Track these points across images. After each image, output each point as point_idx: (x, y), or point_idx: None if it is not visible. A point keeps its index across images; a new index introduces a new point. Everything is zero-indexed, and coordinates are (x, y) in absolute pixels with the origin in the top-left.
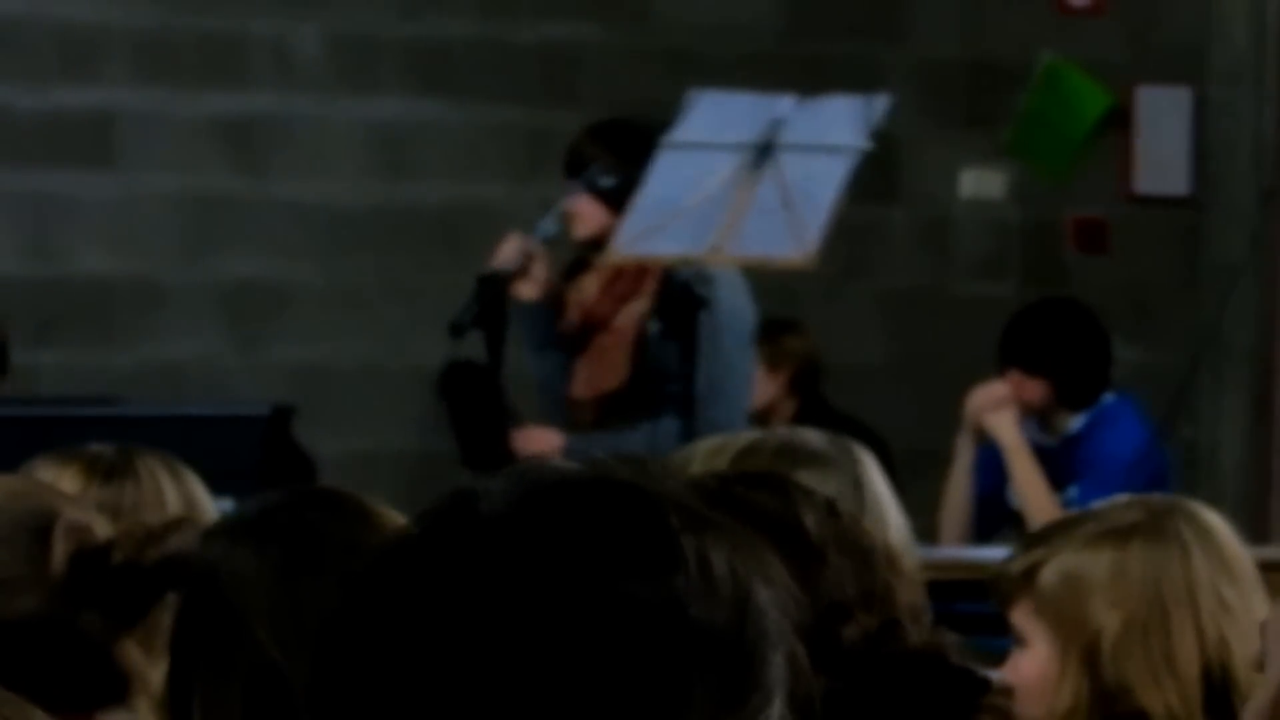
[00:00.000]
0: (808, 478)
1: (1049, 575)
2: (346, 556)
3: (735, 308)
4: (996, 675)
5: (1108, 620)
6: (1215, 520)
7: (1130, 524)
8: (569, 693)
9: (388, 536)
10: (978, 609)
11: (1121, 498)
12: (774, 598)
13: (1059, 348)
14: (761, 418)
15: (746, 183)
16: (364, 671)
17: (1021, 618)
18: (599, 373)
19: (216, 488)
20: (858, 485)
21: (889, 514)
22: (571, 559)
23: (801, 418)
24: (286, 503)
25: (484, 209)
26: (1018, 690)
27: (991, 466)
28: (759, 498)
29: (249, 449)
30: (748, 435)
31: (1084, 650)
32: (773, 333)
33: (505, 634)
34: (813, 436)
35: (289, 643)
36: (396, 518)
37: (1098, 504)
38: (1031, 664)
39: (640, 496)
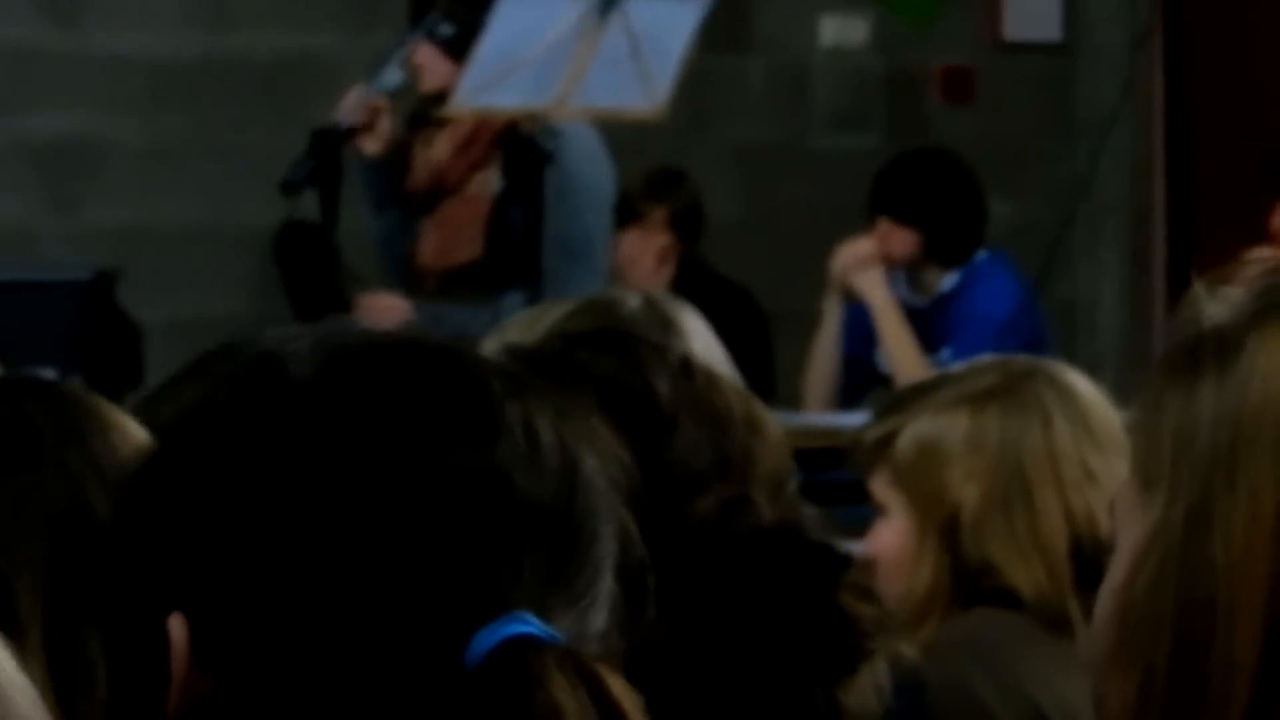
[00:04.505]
0: None
1: (904, 443)
2: (66, 449)
3: (586, 163)
4: (860, 548)
5: (966, 493)
6: (1080, 383)
7: (987, 388)
8: (388, 569)
9: (182, 406)
10: (844, 478)
11: (982, 359)
12: (603, 467)
13: (931, 197)
14: (627, 276)
15: (592, 31)
16: (168, 546)
17: (880, 488)
18: (449, 243)
19: (36, 358)
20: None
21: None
22: (387, 428)
23: (678, 280)
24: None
25: (315, 60)
26: (878, 564)
27: (859, 328)
28: (604, 362)
29: (69, 317)
30: (560, 308)
31: (943, 525)
32: (649, 184)
33: (318, 508)
34: (632, 302)
35: (7, 543)
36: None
37: (957, 365)
38: (890, 537)
39: (459, 361)
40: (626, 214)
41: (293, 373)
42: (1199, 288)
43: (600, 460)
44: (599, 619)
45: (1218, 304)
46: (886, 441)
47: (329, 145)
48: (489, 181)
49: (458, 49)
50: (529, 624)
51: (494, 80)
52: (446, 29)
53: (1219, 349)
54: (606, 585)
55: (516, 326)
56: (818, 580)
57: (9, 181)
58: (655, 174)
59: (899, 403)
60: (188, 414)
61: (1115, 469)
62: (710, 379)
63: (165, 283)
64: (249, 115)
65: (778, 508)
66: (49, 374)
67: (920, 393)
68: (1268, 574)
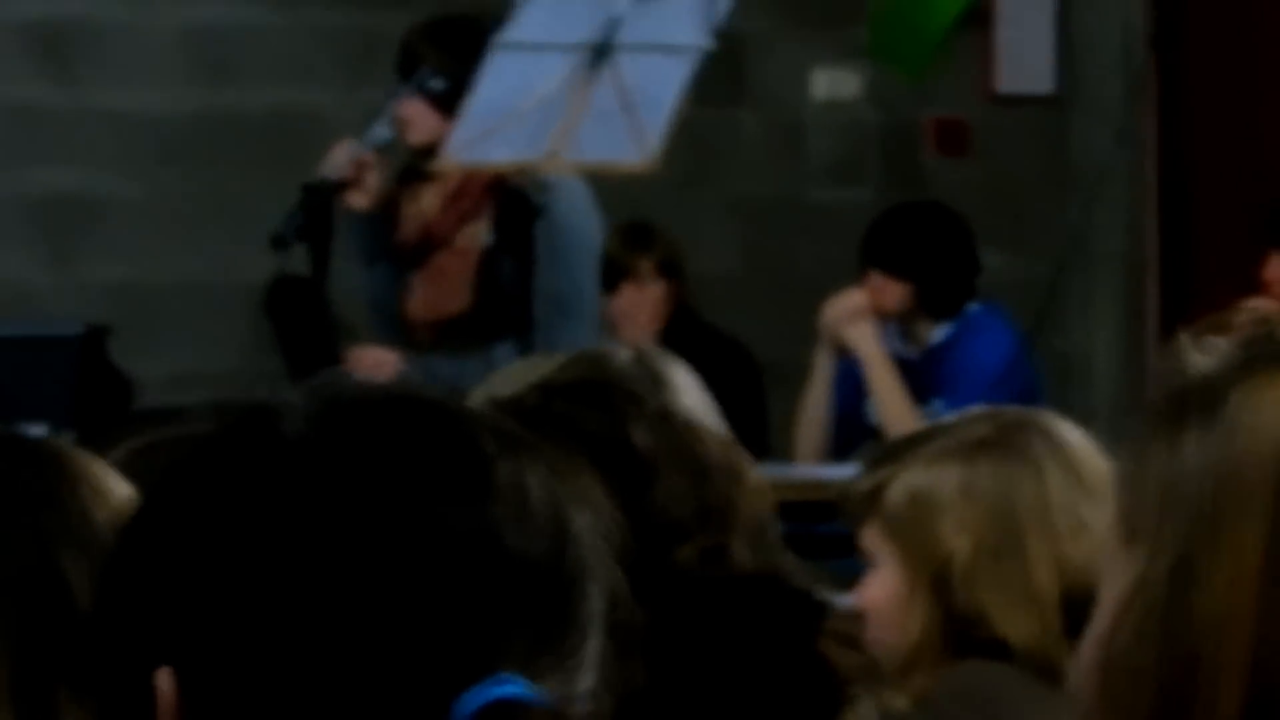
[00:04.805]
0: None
1: (895, 494)
2: (39, 511)
3: (576, 217)
4: (850, 599)
5: (957, 543)
6: (1071, 433)
7: (979, 439)
8: (376, 627)
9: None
10: (836, 530)
11: (973, 409)
12: (593, 524)
13: (923, 249)
14: (622, 330)
15: (583, 84)
16: (158, 599)
17: (870, 539)
18: (439, 295)
19: (29, 412)
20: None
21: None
22: (379, 485)
23: (668, 331)
24: None
25: (311, 116)
26: (869, 615)
27: (850, 380)
28: (583, 413)
29: (62, 372)
30: (550, 362)
31: (934, 575)
32: (628, 238)
33: (308, 564)
34: (622, 357)
35: None
36: (103, 473)
37: (948, 416)
38: (881, 588)
39: (450, 417)
40: (616, 272)
41: (285, 428)
42: (1184, 338)
43: (591, 518)
44: (587, 678)
45: (1203, 355)
46: (878, 492)
47: (318, 199)
48: (478, 233)
49: (447, 103)
50: (516, 685)
51: (485, 134)
52: (437, 83)
53: (1204, 401)
54: (595, 644)
55: (506, 380)
56: (798, 627)
57: (6, 236)
58: (628, 229)
59: (890, 453)
60: (180, 468)
61: (1107, 519)
62: (690, 428)
63: (158, 337)
64: (243, 171)
65: (759, 555)
66: (41, 428)
67: (912, 443)
68: (1251, 630)
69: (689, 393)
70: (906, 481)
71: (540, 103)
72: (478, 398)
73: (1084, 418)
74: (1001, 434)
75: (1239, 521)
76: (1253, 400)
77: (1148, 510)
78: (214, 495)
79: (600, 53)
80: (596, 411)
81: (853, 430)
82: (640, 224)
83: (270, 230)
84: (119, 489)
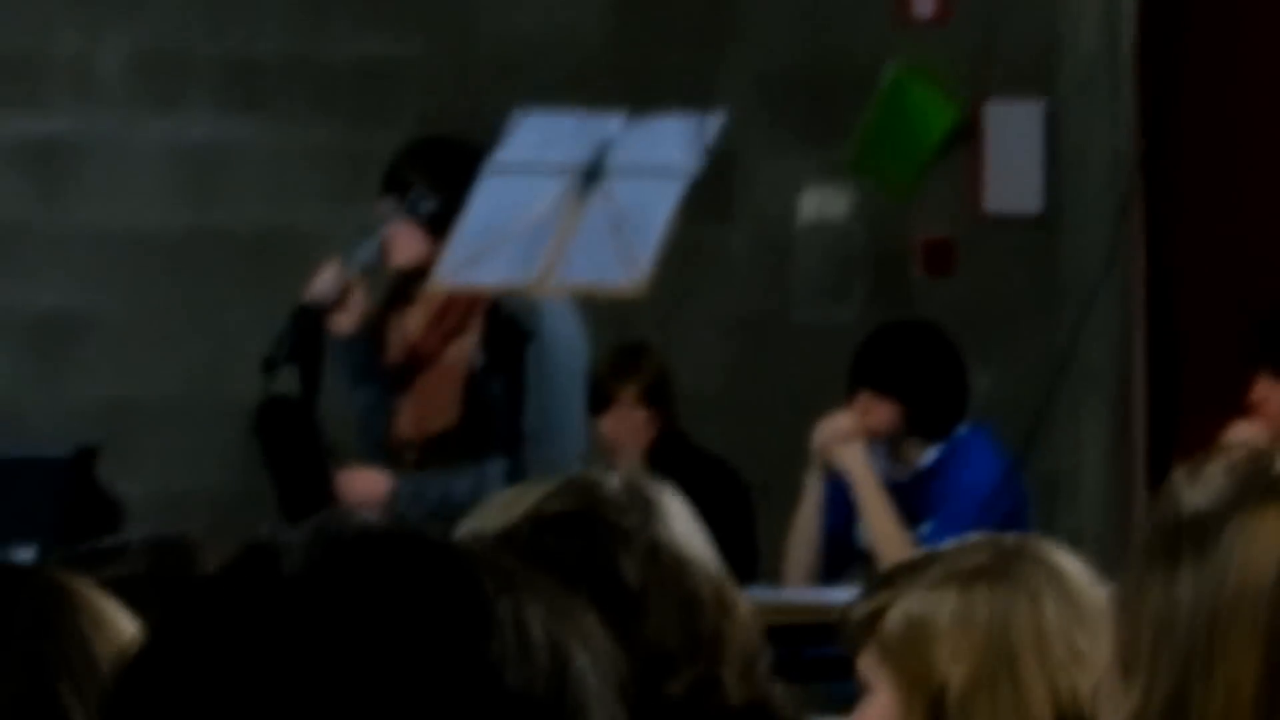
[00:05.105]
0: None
1: (892, 621)
2: (38, 640)
3: (565, 339)
4: None
5: (953, 670)
6: (1068, 562)
7: (976, 567)
8: None
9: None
10: (826, 653)
11: (971, 537)
12: (593, 661)
13: (913, 369)
14: (611, 451)
15: (574, 207)
16: None
17: (867, 665)
18: (426, 412)
19: (18, 534)
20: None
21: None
22: (379, 624)
23: (656, 453)
24: None
25: (299, 235)
26: None
27: (840, 502)
28: (573, 547)
29: (51, 493)
30: (539, 489)
31: (929, 702)
32: (616, 363)
33: (310, 706)
34: (612, 483)
35: None
36: (97, 598)
37: (947, 543)
38: (877, 713)
39: (451, 556)
40: (599, 399)
41: (284, 566)
42: (1179, 473)
43: (591, 655)
44: None
45: (1197, 490)
46: (875, 617)
47: (308, 322)
48: (463, 348)
49: (437, 225)
50: None
51: (477, 256)
52: (428, 205)
53: (1198, 536)
54: None
55: (496, 510)
56: None
57: None
58: (618, 352)
59: (888, 579)
60: (182, 606)
61: (1102, 649)
62: (679, 561)
63: (146, 456)
64: (231, 289)
65: (748, 687)
66: (29, 550)
67: (910, 570)
68: None
69: (679, 519)
70: (904, 608)
71: (531, 225)
72: (468, 529)
73: (1072, 538)
74: (999, 562)
75: (1233, 654)
76: (1246, 535)
77: (1143, 643)
78: (215, 636)
79: (591, 175)
80: (586, 545)
81: (842, 552)
82: (631, 347)
83: (260, 351)
84: (120, 621)
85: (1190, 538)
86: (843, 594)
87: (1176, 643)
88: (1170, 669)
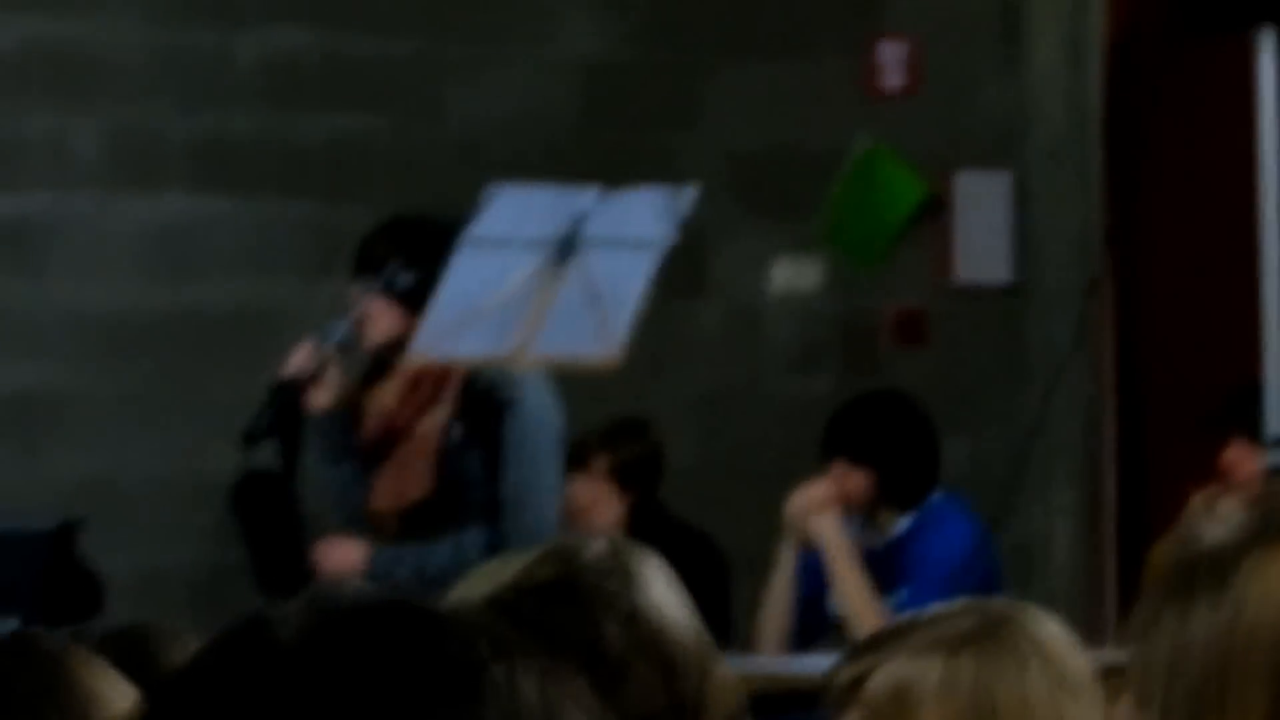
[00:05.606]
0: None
1: (877, 685)
2: (38, 710)
3: (541, 409)
4: None
5: None
6: (1054, 630)
7: (962, 633)
8: None
9: (171, 670)
10: None
11: (958, 602)
12: None
13: (885, 438)
14: (574, 516)
15: (549, 280)
16: None
17: None
18: (402, 483)
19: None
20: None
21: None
22: (373, 692)
23: (633, 522)
24: None
25: (274, 311)
26: None
27: (812, 571)
28: (554, 614)
29: (32, 568)
30: (522, 557)
31: None
32: (606, 429)
33: None
34: (594, 549)
35: None
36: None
37: (933, 607)
38: None
39: (442, 623)
40: (575, 459)
41: (278, 636)
42: (1198, 506)
43: (583, 718)
44: None
45: (1215, 525)
46: (859, 682)
47: (286, 398)
48: (436, 419)
49: (413, 300)
50: None
51: (453, 330)
52: (403, 281)
53: (1214, 571)
54: None
55: (481, 577)
56: None
57: None
58: (613, 424)
59: (873, 644)
60: (176, 678)
61: (1087, 716)
62: (661, 626)
63: (126, 533)
64: (207, 365)
65: None
66: (10, 623)
67: (895, 634)
68: None
69: (660, 586)
70: (889, 672)
71: (506, 298)
72: (452, 600)
73: (1043, 604)
74: (985, 628)
75: (1245, 689)
76: (1262, 570)
77: (1158, 676)
78: (211, 706)
79: (565, 248)
80: (568, 611)
81: (815, 621)
82: (629, 422)
83: (238, 427)
84: (116, 692)
85: (1206, 572)
86: (815, 662)
87: (1190, 676)
88: (1184, 700)
